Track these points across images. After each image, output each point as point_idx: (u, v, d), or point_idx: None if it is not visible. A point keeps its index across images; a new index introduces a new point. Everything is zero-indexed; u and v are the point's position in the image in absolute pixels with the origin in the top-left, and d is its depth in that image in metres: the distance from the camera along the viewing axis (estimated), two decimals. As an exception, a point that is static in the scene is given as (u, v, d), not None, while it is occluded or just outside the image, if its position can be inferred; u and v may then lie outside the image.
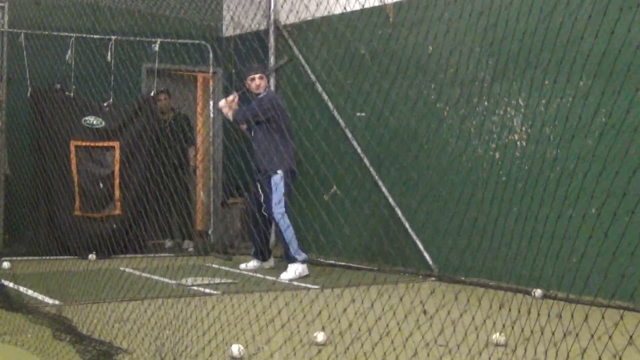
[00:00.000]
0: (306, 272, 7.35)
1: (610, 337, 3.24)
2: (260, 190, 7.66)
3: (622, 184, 3.95)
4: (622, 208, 4.14)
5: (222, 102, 7.85)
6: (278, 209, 7.37)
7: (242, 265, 8.00)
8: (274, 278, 7.18)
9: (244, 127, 7.88)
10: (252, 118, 7.45)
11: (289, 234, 7.35)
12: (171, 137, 9.07)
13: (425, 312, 4.03)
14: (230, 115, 7.76)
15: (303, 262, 7.38)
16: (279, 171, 7.40)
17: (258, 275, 7.46)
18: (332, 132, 8.53)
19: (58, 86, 8.89)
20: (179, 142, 9.22)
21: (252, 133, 7.64)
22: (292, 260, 7.37)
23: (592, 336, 3.31)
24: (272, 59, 9.60)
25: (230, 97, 7.74)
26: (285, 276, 7.26)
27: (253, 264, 7.99)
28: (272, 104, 7.41)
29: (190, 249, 9.48)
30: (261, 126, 7.45)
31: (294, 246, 7.35)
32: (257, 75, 7.62)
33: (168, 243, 9.69)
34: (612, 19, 3.86)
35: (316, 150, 8.25)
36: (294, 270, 7.31)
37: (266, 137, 7.41)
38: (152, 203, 8.82)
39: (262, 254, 7.98)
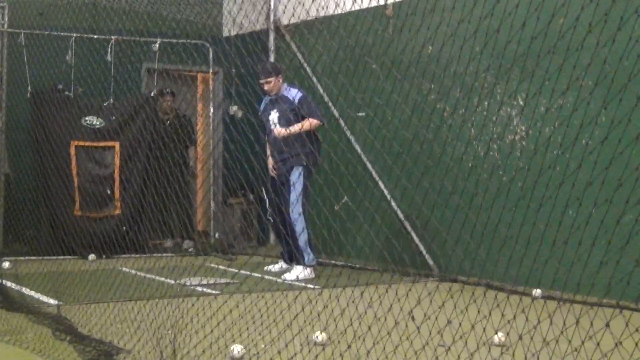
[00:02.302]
0: (312, 275, 7.31)
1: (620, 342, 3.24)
2: (273, 190, 7.47)
3: (622, 184, 3.95)
4: (623, 208, 4.13)
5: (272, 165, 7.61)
6: (296, 208, 7.27)
7: (270, 267, 7.77)
8: (274, 278, 7.17)
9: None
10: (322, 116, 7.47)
11: (302, 232, 7.28)
12: (172, 137, 9.07)
13: (413, 318, 4.02)
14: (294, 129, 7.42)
15: (311, 265, 7.35)
16: (299, 168, 7.33)
17: (259, 275, 7.45)
18: (333, 132, 8.52)
19: (60, 87, 8.89)
20: (180, 142, 9.21)
21: (279, 126, 7.44)
22: (300, 262, 7.32)
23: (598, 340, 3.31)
24: (272, 59, 9.59)
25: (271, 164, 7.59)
26: (289, 277, 7.22)
27: (281, 265, 7.77)
28: (313, 102, 7.53)
29: (191, 249, 9.48)
30: (290, 120, 7.36)
31: (305, 247, 7.28)
32: (263, 81, 7.48)
33: (168, 243, 9.68)
34: (613, 19, 3.85)
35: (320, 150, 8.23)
36: (299, 272, 7.26)
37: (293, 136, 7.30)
38: (152, 203, 8.81)
39: (289, 255, 7.68)
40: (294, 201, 7.27)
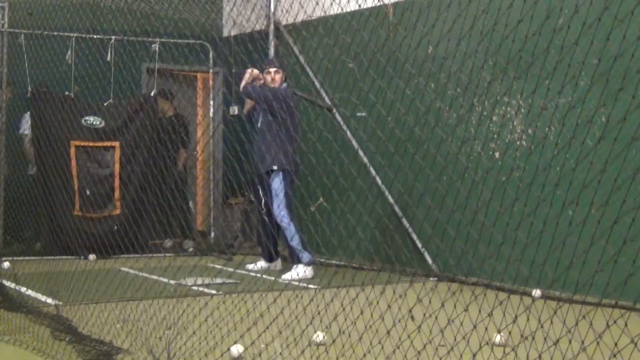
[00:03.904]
0: (311, 274, 7.33)
1: (617, 340, 3.24)
2: (260, 189, 7.63)
3: (622, 184, 3.95)
4: (623, 208, 4.12)
5: (249, 71, 7.66)
6: (280, 210, 7.34)
7: (250, 266, 7.94)
8: (274, 278, 7.17)
9: (248, 105, 7.77)
10: (258, 98, 7.43)
11: (293, 234, 7.32)
12: (167, 136, 9.07)
13: (412, 317, 4.02)
14: (242, 84, 7.65)
15: (308, 264, 7.36)
16: (279, 171, 7.39)
17: (259, 275, 7.45)
18: (332, 132, 8.52)
19: (45, 89, 8.88)
20: (173, 142, 9.21)
21: (259, 126, 7.58)
22: (297, 261, 7.35)
23: (599, 337, 3.31)
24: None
25: (257, 72, 7.64)
26: (288, 276, 7.24)
27: (261, 264, 7.95)
28: (283, 97, 7.33)
29: (191, 249, 9.47)
30: (267, 120, 7.41)
31: (298, 247, 7.32)
32: (273, 69, 7.60)
33: (168, 243, 9.66)
34: (613, 18, 3.86)
35: (316, 150, 8.23)
36: (299, 271, 7.29)
37: (271, 133, 7.36)
38: (150, 202, 8.81)
39: (269, 255, 7.93)
40: (277, 208, 7.35)
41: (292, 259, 7.44)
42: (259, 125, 7.60)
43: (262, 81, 7.62)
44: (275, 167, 7.39)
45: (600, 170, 3.73)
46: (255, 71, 7.65)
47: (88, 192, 8.87)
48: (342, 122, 8.59)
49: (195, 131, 10.50)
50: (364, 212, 7.98)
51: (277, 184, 7.37)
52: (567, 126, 6.01)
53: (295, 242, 7.32)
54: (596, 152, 5.16)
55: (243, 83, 7.64)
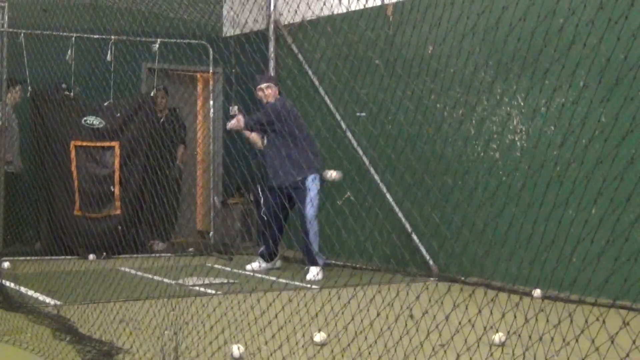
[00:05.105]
0: (322, 275, 7.39)
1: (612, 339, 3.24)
2: (272, 197, 7.51)
3: (621, 184, 3.96)
4: (623, 208, 4.14)
5: (229, 125, 7.71)
6: (312, 212, 7.35)
7: (249, 266, 7.96)
8: (274, 278, 7.17)
9: (255, 138, 7.85)
10: (259, 127, 7.49)
11: (316, 237, 7.36)
12: (162, 135, 9.06)
13: (412, 316, 4.03)
14: (241, 125, 7.63)
15: (323, 265, 7.42)
16: (310, 175, 7.39)
17: (259, 275, 7.46)
18: (333, 132, 8.52)
19: (64, 86, 8.91)
20: (169, 140, 9.20)
21: (267, 143, 7.64)
22: (315, 262, 7.39)
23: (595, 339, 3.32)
24: (271, 60, 9.60)
25: (234, 120, 7.63)
26: (310, 277, 7.30)
27: (259, 264, 7.97)
28: (279, 113, 7.28)
29: (191, 249, 9.44)
30: (276, 136, 7.43)
31: (316, 249, 7.36)
32: (263, 86, 7.62)
33: (159, 246, 9.50)
34: (612, 18, 3.86)
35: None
36: (316, 272, 7.34)
37: (284, 147, 7.29)
38: (149, 202, 8.79)
39: (269, 256, 7.95)
40: (311, 211, 7.35)
41: (311, 261, 7.43)
42: (266, 143, 7.65)
43: (239, 111, 7.72)
44: (304, 175, 7.37)
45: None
46: (236, 118, 7.65)
47: (111, 190, 8.92)
48: (342, 122, 8.59)
49: (194, 129, 10.49)
50: (376, 213, 7.98)
51: (312, 188, 7.38)
52: (568, 126, 6.01)
53: (316, 243, 7.37)
54: (595, 152, 5.16)
55: (241, 125, 7.60)
